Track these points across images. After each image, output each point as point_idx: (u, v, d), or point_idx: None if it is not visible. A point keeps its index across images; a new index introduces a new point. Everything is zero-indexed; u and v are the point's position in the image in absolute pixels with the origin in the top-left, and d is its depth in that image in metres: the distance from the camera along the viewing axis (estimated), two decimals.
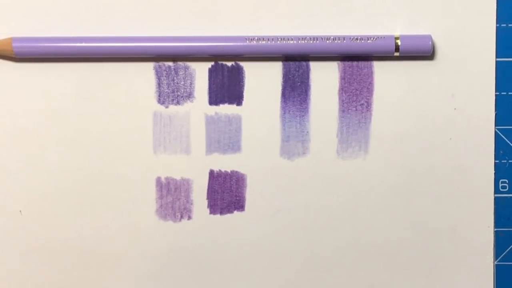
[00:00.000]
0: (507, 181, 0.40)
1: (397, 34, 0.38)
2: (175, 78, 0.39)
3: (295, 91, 0.39)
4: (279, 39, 0.38)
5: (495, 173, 0.40)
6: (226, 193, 0.40)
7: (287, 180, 0.40)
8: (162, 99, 0.39)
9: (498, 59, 0.39)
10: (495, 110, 0.39)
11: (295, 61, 0.39)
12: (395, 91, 0.39)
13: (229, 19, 0.39)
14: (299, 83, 0.39)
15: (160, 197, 0.40)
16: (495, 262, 0.40)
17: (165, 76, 0.39)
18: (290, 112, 0.39)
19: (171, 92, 0.39)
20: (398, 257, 0.40)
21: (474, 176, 0.40)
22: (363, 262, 0.40)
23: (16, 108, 0.39)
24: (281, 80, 0.39)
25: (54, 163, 0.39)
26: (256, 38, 0.38)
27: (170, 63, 0.39)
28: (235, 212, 0.40)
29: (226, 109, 0.40)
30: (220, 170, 0.40)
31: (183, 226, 0.40)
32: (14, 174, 0.39)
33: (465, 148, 0.39)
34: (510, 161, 0.40)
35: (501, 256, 0.40)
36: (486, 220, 0.40)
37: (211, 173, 0.40)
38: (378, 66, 0.39)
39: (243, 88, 0.39)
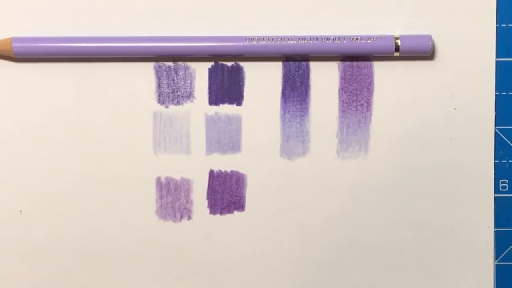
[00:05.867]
0: (507, 181, 0.40)
1: (397, 34, 0.38)
2: (175, 78, 0.39)
3: (295, 91, 0.39)
4: (279, 39, 0.38)
5: (495, 173, 0.40)
6: (226, 193, 0.40)
7: (287, 180, 0.40)
8: (162, 99, 0.39)
9: (498, 59, 0.39)
10: (495, 110, 0.39)
11: (295, 61, 0.39)
12: (395, 91, 0.39)
13: (229, 19, 0.39)
14: (299, 83, 0.39)
15: (160, 197, 0.40)
16: (495, 262, 0.40)
17: (165, 76, 0.39)
18: (290, 112, 0.39)
19: (171, 92, 0.39)
20: (398, 257, 0.40)
21: (474, 176, 0.40)
22: (363, 262, 0.40)
23: (16, 108, 0.39)
24: (281, 80, 0.39)
25: (54, 163, 0.39)
26: (256, 38, 0.38)
27: (170, 63, 0.39)
28: (235, 212, 0.40)
29: (226, 109, 0.40)
30: (220, 170, 0.40)
31: (183, 226, 0.40)
32: (14, 174, 0.39)
33: (465, 148, 0.39)
34: (510, 161, 0.40)
35: (501, 256, 0.40)
36: (486, 220, 0.40)
37: (211, 173, 0.40)
38: (378, 66, 0.39)
39: (243, 88, 0.39)
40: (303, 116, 0.39)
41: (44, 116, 0.39)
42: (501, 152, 0.40)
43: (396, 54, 0.38)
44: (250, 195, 0.40)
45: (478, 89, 0.39)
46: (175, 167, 0.40)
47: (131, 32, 0.38)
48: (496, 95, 0.39)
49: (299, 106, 0.39)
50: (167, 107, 0.39)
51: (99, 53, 0.38)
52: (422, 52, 0.38)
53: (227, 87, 0.39)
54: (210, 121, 0.40)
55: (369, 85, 0.39)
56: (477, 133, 0.39)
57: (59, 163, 0.39)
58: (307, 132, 0.40)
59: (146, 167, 0.40)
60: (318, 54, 0.38)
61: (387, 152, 0.40)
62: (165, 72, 0.39)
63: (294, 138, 0.40)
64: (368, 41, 0.38)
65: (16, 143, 0.39)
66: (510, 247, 0.40)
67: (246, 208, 0.40)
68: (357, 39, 0.38)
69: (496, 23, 0.39)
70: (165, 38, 0.38)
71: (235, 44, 0.38)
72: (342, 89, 0.39)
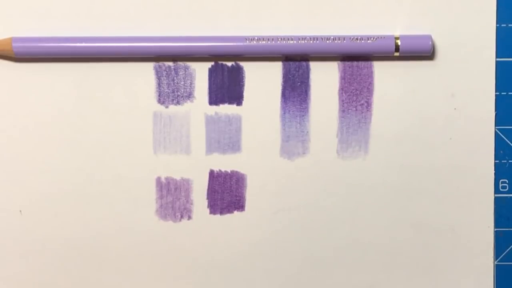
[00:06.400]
0: (507, 181, 0.40)
1: (397, 34, 0.38)
2: (175, 78, 0.39)
3: (295, 91, 0.39)
4: (279, 39, 0.38)
5: (495, 173, 0.40)
6: (226, 193, 0.40)
7: (287, 180, 0.40)
8: (162, 99, 0.39)
9: (498, 59, 0.39)
10: (495, 110, 0.39)
11: (295, 61, 0.39)
12: (395, 91, 0.39)
13: (229, 19, 0.39)
14: (299, 83, 0.39)
15: (160, 197, 0.40)
16: (495, 262, 0.40)
17: (165, 76, 0.39)
18: (290, 112, 0.39)
19: (171, 92, 0.39)
20: (398, 257, 0.40)
21: (474, 176, 0.40)
22: (363, 262, 0.40)
23: (16, 108, 0.39)
24: (281, 80, 0.39)
25: (54, 163, 0.39)
26: (256, 38, 0.38)
27: (170, 63, 0.39)
28: (235, 212, 0.40)
29: (226, 109, 0.40)
30: (220, 170, 0.40)
31: (183, 226, 0.40)
32: (14, 174, 0.39)
33: (465, 148, 0.39)
34: (510, 161, 0.40)
35: (501, 256, 0.40)
36: (486, 220, 0.40)
37: (211, 173, 0.40)
38: (378, 66, 0.39)
39: (243, 88, 0.39)
40: (303, 116, 0.39)
41: (44, 116, 0.39)
42: (501, 152, 0.40)
43: (396, 54, 0.38)
44: (250, 195, 0.40)
45: (478, 89, 0.39)
46: (175, 167, 0.40)
47: (131, 32, 0.38)
48: (496, 95, 0.39)
49: (299, 106, 0.39)
50: (167, 107, 0.39)
51: (99, 53, 0.38)
52: (422, 52, 0.38)
53: (227, 87, 0.39)
54: (210, 121, 0.40)
55: (369, 85, 0.39)
56: (477, 133, 0.39)
57: (59, 163, 0.39)
58: (307, 132, 0.40)
59: (146, 167, 0.40)
60: (318, 54, 0.38)
61: (387, 152, 0.40)
62: (165, 72, 0.39)
63: (294, 138, 0.40)
64: (368, 41, 0.38)
65: (16, 143, 0.39)
66: (510, 247, 0.40)
67: (246, 208, 0.40)
68: (357, 39, 0.38)
69: (496, 23, 0.39)
70: (165, 38, 0.38)
71: (235, 44, 0.38)
72: (342, 89, 0.39)
